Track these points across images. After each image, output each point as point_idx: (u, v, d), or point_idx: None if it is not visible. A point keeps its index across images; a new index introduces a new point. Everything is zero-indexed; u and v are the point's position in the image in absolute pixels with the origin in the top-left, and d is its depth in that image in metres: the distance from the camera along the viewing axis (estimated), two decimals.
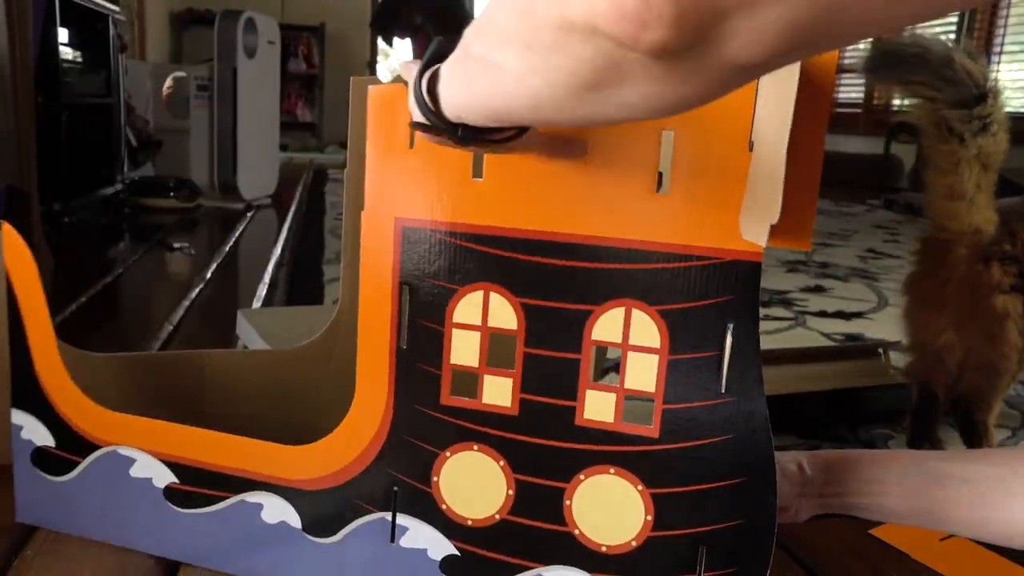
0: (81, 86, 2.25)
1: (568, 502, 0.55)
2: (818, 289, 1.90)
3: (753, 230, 0.50)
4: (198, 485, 0.65)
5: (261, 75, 2.79)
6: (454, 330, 0.56)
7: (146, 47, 4.20)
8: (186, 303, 1.51)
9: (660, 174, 0.52)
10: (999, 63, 4.55)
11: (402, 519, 0.60)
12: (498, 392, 0.56)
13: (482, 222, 0.55)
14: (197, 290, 1.61)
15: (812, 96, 0.50)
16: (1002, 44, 4.51)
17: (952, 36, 4.75)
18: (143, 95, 2.98)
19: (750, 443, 0.52)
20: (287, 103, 5.54)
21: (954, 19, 4.77)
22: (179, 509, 0.66)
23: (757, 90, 0.49)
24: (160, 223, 2.38)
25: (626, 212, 0.52)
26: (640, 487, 0.54)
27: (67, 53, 2.26)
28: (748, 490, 0.52)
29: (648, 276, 0.52)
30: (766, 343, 1.38)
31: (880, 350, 1.20)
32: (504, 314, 0.55)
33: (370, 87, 0.56)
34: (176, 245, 2.04)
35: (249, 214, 2.63)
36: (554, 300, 0.54)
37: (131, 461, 0.67)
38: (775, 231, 0.49)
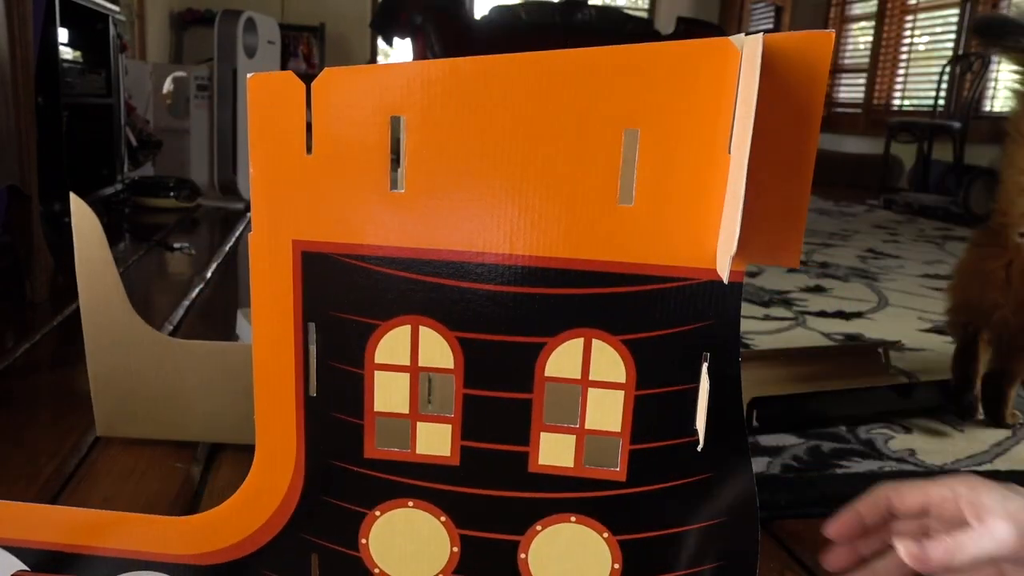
0: (81, 86, 2.25)
1: (523, 555, 0.49)
2: (818, 289, 1.90)
3: (719, 261, 0.44)
4: (57, 570, 0.53)
5: None
6: (376, 372, 0.48)
7: (146, 47, 4.20)
8: (186, 303, 1.51)
9: (622, 181, 0.44)
10: (999, 63, 4.54)
11: None
12: (435, 440, 0.48)
13: (404, 243, 0.46)
14: (197, 290, 1.61)
15: (798, 92, 0.42)
16: None
17: (952, 35, 4.75)
18: (143, 95, 2.98)
19: (729, 482, 0.47)
20: None
21: (954, 18, 4.77)
22: None
23: (738, 82, 0.42)
24: (160, 223, 2.38)
25: (582, 227, 0.44)
26: (606, 534, 0.48)
27: (67, 53, 2.25)
28: (728, 531, 0.47)
29: (610, 301, 0.45)
30: (766, 343, 1.38)
31: (880, 350, 1.20)
32: (437, 351, 0.47)
33: (249, 75, 0.45)
34: (176, 245, 2.04)
35: (249, 214, 2.63)
36: (497, 333, 0.46)
37: None
38: (757, 249, 0.43)
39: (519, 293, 0.46)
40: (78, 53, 2.39)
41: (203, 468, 0.85)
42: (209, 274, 1.76)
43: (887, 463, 0.92)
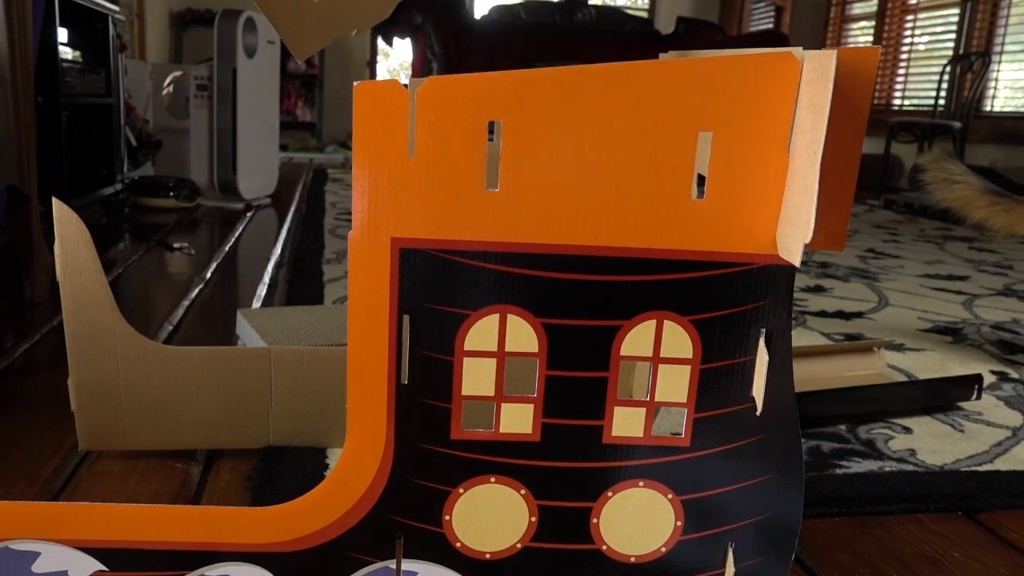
0: (81, 86, 2.25)
1: (595, 520, 0.54)
2: (818, 289, 1.90)
3: (789, 248, 0.49)
4: (138, 567, 0.54)
5: (261, 75, 2.79)
6: (465, 359, 0.52)
7: (146, 47, 4.20)
8: (186, 303, 1.51)
9: (697, 178, 0.50)
10: (999, 63, 4.55)
11: (409, 564, 0.55)
12: (517, 420, 0.52)
13: (498, 238, 0.50)
14: (197, 290, 1.61)
15: (851, 100, 0.48)
16: (1002, 44, 4.51)
17: (952, 35, 4.75)
18: (143, 95, 2.98)
19: (779, 441, 0.52)
20: (287, 103, 5.54)
21: (954, 18, 4.77)
22: None
23: (799, 88, 0.47)
24: (160, 223, 2.38)
25: (659, 220, 0.49)
26: (670, 496, 0.53)
27: (67, 53, 2.25)
28: (776, 485, 0.53)
29: (682, 286, 0.50)
30: None
31: (879, 350, 1.20)
32: (524, 337, 0.51)
33: (355, 83, 0.49)
34: (176, 245, 2.04)
35: (249, 214, 2.63)
36: (579, 318, 0.51)
37: (32, 556, 0.54)
38: (817, 236, 0.48)
39: (600, 281, 0.50)
40: (78, 53, 2.39)
41: (203, 468, 0.85)
42: (209, 274, 1.76)
43: (887, 463, 0.92)
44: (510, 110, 0.48)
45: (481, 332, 0.51)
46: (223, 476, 0.83)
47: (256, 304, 1.54)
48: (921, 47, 5.09)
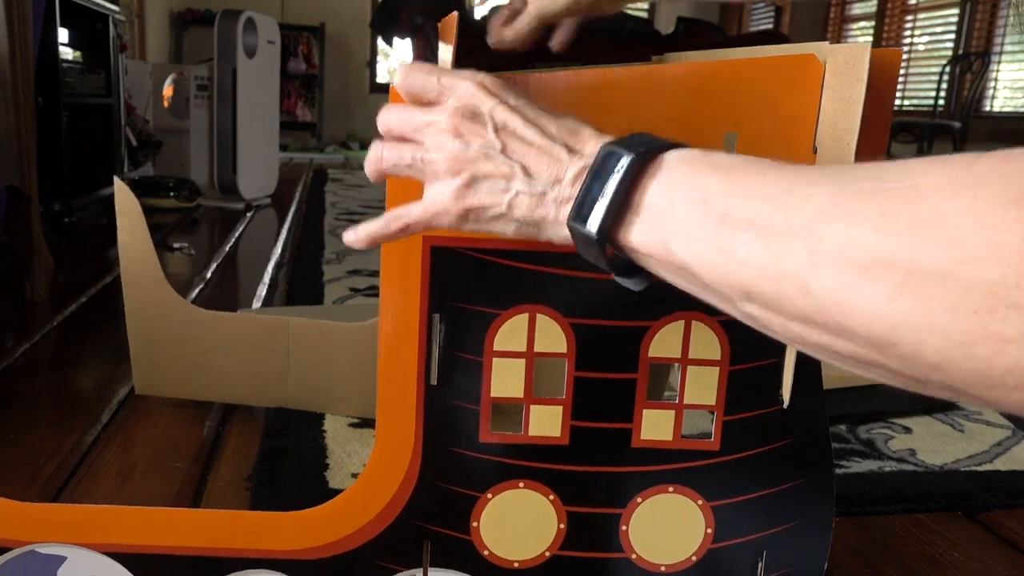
0: (81, 86, 2.25)
1: (624, 527, 0.53)
2: None
3: None
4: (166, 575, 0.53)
5: (261, 75, 2.79)
6: (494, 359, 0.51)
7: (146, 47, 4.20)
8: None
9: None
10: (999, 63, 4.55)
11: (435, 573, 0.54)
12: (546, 422, 0.52)
13: None
14: (197, 290, 1.61)
15: (877, 99, 0.49)
16: (1002, 44, 4.51)
17: (952, 35, 4.75)
18: (143, 95, 2.98)
19: (809, 445, 0.51)
20: (287, 103, 5.54)
21: (954, 18, 4.77)
22: None
23: (822, 91, 0.48)
24: (160, 223, 2.38)
25: None
26: (700, 501, 0.52)
27: (67, 53, 2.25)
28: (806, 491, 0.52)
29: None
30: None
31: None
32: (552, 337, 0.51)
33: (391, 83, 0.48)
34: (176, 245, 2.04)
35: (249, 214, 2.63)
36: (608, 318, 0.50)
37: (58, 560, 0.53)
38: None
39: None
40: (78, 53, 2.39)
41: (203, 468, 0.85)
42: (209, 274, 1.76)
43: (887, 463, 0.92)
44: None
45: (510, 332, 0.51)
46: (223, 476, 0.83)
47: (256, 304, 1.54)
48: (921, 47, 5.10)
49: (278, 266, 1.87)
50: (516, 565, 0.53)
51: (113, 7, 2.46)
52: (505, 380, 0.51)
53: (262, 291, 1.63)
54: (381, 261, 0.50)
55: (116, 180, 0.92)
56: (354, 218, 2.58)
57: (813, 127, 0.48)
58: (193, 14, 5.29)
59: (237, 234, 2.29)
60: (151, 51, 4.37)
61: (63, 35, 2.15)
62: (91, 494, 0.78)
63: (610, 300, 0.50)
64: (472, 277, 0.50)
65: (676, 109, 0.49)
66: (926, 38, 5.06)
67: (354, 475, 0.84)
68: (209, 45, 2.72)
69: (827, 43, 0.48)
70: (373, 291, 1.59)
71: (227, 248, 2.09)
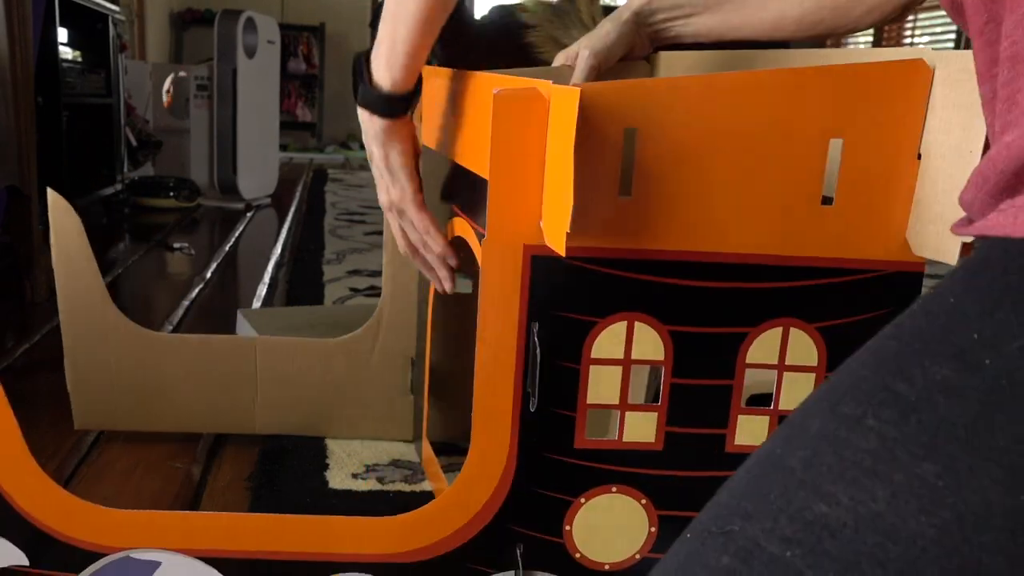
0: (81, 86, 2.25)
1: None
2: None
3: (939, 248, 0.48)
4: None
5: (261, 75, 2.79)
6: (591, 367, 0.52)
7: (146, 47, 4.20)
8: (186, 303, 1.51)
9: (826, 185, 0.50)
10: None
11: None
12: (641, 428, 0.52)
13: (626, 244, 0.50)
14: (197, 290, 1.61)
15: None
16: None
17: (952, 36, 4.75)
18: (143, 95, 2.98)
19: None
20: (287, 103, 5.54)
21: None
22: None
23: (930, 96, 0.47)
24: (160, 223, 2.38)
25: (788, 227, 0.49)
26: None
27: (67, 53, 2.25)
28: None
29: (809, 293, 0.50)
30: None
31: None
32: (650, 345, 0.51)
33: (495, 90, 0.49)
34: (176, 245, 2.04)
35: (249, 214, 2.63)
36: (706, 325, 0.51)
37: (153, 566, 0.54)
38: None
39: (729, 288, 0.50)
40: (78, 53, 2.39)
41: (203, 468, 0.85)
42: (209, 274, 1.76)
43: None
44: (646, 118, 0.48)
45: (608, 340, 0.51)
46: (223, 476, 0.83)
47: (256, 304, 1.54)
48: (921, 47, 5.10)
49: (278, 266, 1.87)
50: (607, 567, 0.54)
51: (113, 7, 2.46)
52: (601, 387, 0.52)
53: (262, 291, 1.63)
54: (480, 269, 0.51)
55: (49, 192, 0.78)
56: (354, 218, 2.59)
57: (919, 134, 0.48)
58: (193, 14, 5.29)
59: (237, 234, 2.29)
60: (151, 51, 4.37)
61: (63, 35, 2.15)
62: (91, 494, 0.78)
63: (710, 307, 0.51)
64: (571, 285, 0.51)
65: (778, 115, 0.49)
66: (926, 38, 5.06)
67: (354, 475, 0.84)
68: (209, 45, 2.72)
69: (931, 49, 0.48)
70: (373, 291, 1.59)
71: (227, 248, 2.09)
